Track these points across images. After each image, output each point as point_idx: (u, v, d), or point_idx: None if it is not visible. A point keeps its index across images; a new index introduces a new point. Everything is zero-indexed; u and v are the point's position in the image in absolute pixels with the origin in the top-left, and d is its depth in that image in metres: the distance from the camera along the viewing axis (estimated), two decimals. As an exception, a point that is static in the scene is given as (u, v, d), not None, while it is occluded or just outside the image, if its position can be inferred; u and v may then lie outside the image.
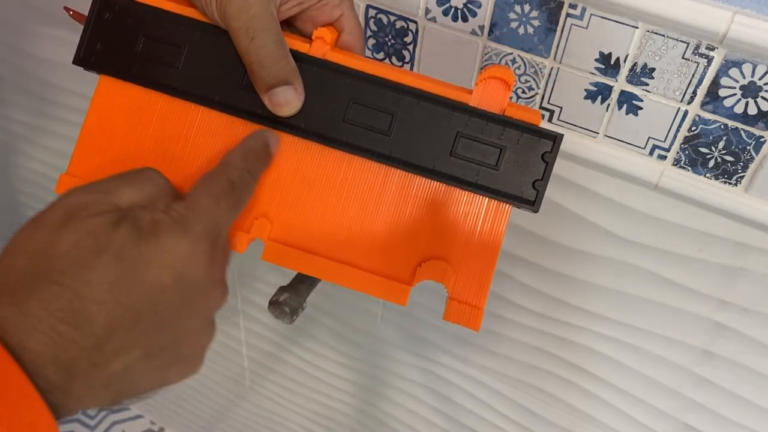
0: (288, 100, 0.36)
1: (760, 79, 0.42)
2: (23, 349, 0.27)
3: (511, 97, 0.36)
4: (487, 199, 0.37)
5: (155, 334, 0.30)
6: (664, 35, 0.44)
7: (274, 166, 0.38)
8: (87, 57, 0.38)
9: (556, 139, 0.35)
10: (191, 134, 0.38)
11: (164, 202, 0.32)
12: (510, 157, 0.36)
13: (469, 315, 0.36)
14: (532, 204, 0.36)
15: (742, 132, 0.45)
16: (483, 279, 0.37)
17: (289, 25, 0.39)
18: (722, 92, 0.44)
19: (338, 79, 0.37)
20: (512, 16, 0.48)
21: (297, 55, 0.36)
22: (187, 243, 0.31)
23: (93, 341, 0.28)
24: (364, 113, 0.37)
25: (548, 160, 0.36)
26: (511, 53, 0.50)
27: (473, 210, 0.37)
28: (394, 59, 0.56)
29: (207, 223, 0.32)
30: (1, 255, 0.30)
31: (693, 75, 0.45)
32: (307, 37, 0.38)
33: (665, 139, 0.48)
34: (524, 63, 0.50)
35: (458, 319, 0.36)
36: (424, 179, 0.37)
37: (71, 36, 0.76)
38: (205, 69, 0.37)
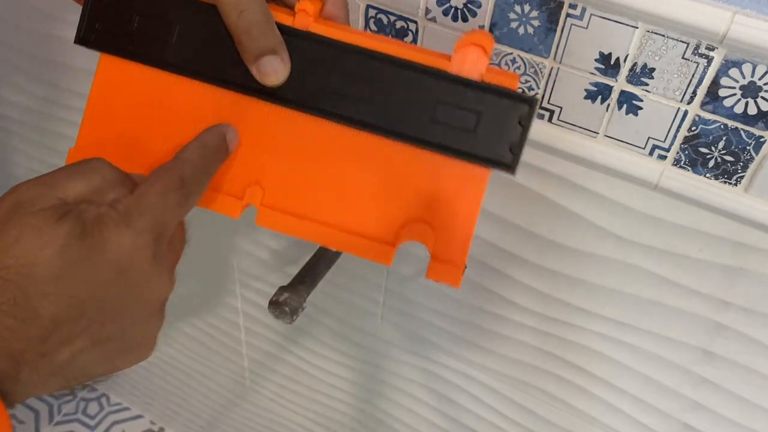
0: (275, 70, 0.37)
1: (760, 79, 0.42)
2: None
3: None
4: (466, 163, 0.37)
5: (100, 324, 0.31)
6: (664, 35, 0.44)
7: (264, 135, 0.39)
8: (87, 36, 0.40)
9: (532, 102, 0.36)
10: (188, 108, 0.40)
11: (112, 195, 0.33)
12: (488, 122, 0.37)
13: (449, 273, 0.38)
14: (509, 167, 0.37)
15: (742, 132, 0.45)
16: (463, 239, 0.38)
17: None
18: (722, 92, 0.44)
19: (322, 50, 0.38)
20: (512, 16, 0.48)
21: (281, 28, 0.37)
22: (131, 237, 0.31)
23: (39, 333, 0.29)
24: (347, 82, 0.38)
25: (525, 124, 0.36)
26: (511, 53, 0.50)
27: (453, 174, 0.38)
28: (394, 59, 0.56)
29: (151, 219, 0.32)
30: None
31: (693, 75, 0.45)
32: (291, 9, 0.39)
33: (665, 139, 0.48)
34: (524, 63, 0.50)
35: (439, 277, 0.38)
36: (405, 145, 0.38)
37: (71, 36, 0.76)
38: (197, 45, 0.39)
